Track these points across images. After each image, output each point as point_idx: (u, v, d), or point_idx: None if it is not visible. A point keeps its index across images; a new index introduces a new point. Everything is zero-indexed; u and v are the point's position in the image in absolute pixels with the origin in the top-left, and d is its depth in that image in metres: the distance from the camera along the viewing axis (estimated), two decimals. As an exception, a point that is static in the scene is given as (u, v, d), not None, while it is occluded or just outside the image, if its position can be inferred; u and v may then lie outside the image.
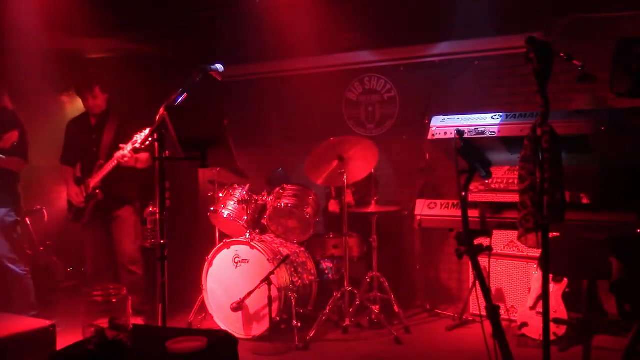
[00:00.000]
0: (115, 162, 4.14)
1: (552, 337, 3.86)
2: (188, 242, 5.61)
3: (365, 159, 4.55)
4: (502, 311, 4.47)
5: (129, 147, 4.11)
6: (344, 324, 4.45)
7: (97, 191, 4.28)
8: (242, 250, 4.45)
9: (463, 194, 2.19)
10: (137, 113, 4.27)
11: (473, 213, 2.23)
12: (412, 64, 5.71)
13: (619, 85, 2.21)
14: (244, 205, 4.62)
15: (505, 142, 2.18)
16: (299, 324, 4.26)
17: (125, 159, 4.11)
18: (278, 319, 4.34)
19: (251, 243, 4.42)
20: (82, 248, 4.54)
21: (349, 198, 5.33)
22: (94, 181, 4.28)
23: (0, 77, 5.28)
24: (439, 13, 4.99)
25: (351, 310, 4.48)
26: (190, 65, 3.32)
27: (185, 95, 2.91)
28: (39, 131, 4.55)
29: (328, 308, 4.38)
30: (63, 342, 2.54)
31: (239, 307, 4.22)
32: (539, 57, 1.85)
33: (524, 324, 4.09)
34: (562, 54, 2.00)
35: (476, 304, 4.65)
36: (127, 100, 6.30)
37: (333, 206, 5.42)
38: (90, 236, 4.46)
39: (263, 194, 4.76)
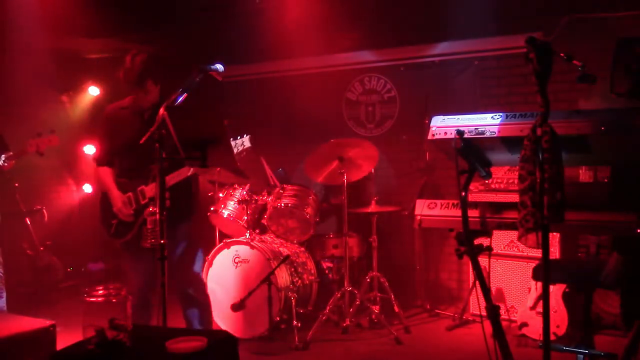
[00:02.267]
0: (189, 173, 3.48)
1: (552, 337, 3.86)
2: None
3: (365, 160, 4.56)
4: (502, 311, 4.47)
5: None
6: (344, 324, 4.45)
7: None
8: (242, 250, 4.45)
9: (463, 194, 2.19)
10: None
11: (473, 213, 2.23)
12: (412, 64, 5.71)
13: (619, 85, 2.21)
14: (244, 205, 4.62)
15: (505, 142, 2.18)
16: (299, 324, 4.26)
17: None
18: (278, 319, 4.34)
19: (251, 243, 4.42)
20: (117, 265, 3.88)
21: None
22: (153, 190, 3.39)
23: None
24: (439, 13, 4.98)
25: (351, 310, 4.48)
26: (190, 65, 3.33)
27: (185, 95, 2.91)
28: (28, 139, 4.52)
29: (328, 308, 4.38)
30: (63, 342, 2.53)
31: (239, 307, 4.22)
32: (539, 57, 1.85)
33: (524, 324, 4.09)
34: (562, 54, 2.00)
35: (476, 304, 4.65)
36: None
37: None
38: (135, 258, 3.53)
39: (263, 194, 4.77)
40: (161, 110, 2.72)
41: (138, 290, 3.46)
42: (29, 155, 4.31)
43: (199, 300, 3.69)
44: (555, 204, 1.81)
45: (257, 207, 4.77)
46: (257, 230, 4.76)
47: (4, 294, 4.06)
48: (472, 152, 2.24)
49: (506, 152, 2.27)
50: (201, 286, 3.76)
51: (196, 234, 3.71)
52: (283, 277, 4.41)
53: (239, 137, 3.92)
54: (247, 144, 3.93)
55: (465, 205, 2.18)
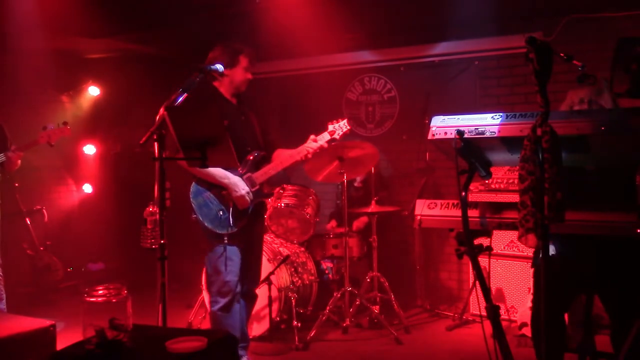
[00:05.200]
0: (304, 155, 3.49)
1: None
2: (188, 242, 5.61)
3: (365, 160, 4.56)
4: (502, 311, 4.47)
5: (324, 137, 3.56)
6: (344, 324, 4.45)
7: (268, 188, 3.50)
8: (242, 250, 4.44)
9: (463, 194, 2.18)
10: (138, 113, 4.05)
11: (473, 213, 2.23)
12: (412, 64, 5.72)
13: (618, 85, 2.21)
14: (244, 205, 4.62)
15: (505, 142, 2.17)
16: (299, 324, 4.26)
17: (315, 152, 3.49)
18: (278, 319, 4.34)
19: (251, 243, 4.42)
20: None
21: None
22: (261, 177, 3.44)
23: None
24: (439, 13, 4.99)
25: (351, 310, 4.48)
26: (190, 65, 3.32)
27: (185, 95, 2.90)
28: (39, 131, 4.52)
29: (328, 308, 4.38)
30: (63, 342, 2.53)
31: (239, 307, 4.22)
32: (539, 57, 1.85)
33: (524, 324, 4.09)
34: (562, 54, 1.99)
35: (476, 304, 4.65)
36: (127, 100, 6.33)
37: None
38: (235, 249, 3.37)
39: (263, 193, 4.76)
40: (161, 110, 2.72)
41: (230, 289, 3.34)
42: (39, 146, 4.33)
43: (255, 297, 3.68)
44: (556, 204, 1.81)
45: (257, 207, 4.77)
46: (257, 230, 4.76)
47: (4, 295, 4.06)
48: (472, 152, 2.24)
49: (506, 152, 2.27)
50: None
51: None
52: (283, 277, 4.41)
53: (337, 122, 3.66)
54: (348, 126, 3.66)
55: (465, 205, 2.18)
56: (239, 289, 3.40)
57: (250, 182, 3.38)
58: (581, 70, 2.04)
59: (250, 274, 3.52)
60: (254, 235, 3.52)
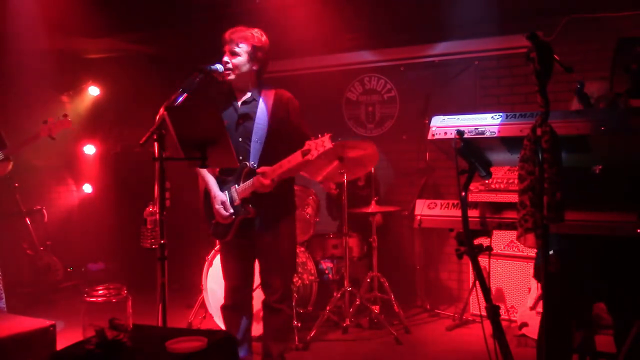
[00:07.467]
0: (289, 166, 3.10)
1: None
2: (188, 242, 5.61)
3: (365, 160, 4.55)
4: (502, 311, 4.47)
5: (294, 157, 3.11)
6: (344, 324, 4.45)
7: (248, 207, 3.16)
8: (242, 250, 4.44)
9: (463, 194, 2.18)
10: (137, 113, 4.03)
11: (473, 213, 2.23)
12: (412, 64, 5.72)
13: (618, 85, 2.21)
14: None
15: (505, 142, 2.17)
16: (299, 324, 4.26)
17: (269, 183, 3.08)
18: (278, 319, 4.34)
19: (251, 243, 4.41)
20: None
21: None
22: (241, 193, 3.19)
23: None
24: (439, 13, 4.99)
25: (351, 310, 4.48)
26: (190, 65, 3.33)
27: (185, 95, 2.90)
28: (40, 125, 4.51)
29: (328, 308, 4.38)
30: (63, 342, 2.53)
31: (239, 307, 4.22)
32: (540, 55, 1.84)
33: (524, 324, 4.09)
34: (562, 65, 1.99)
35: (476, 304, 4.65)
36: (127, 100, 6.33)
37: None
38: (233, 259, 3.36)
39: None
40: (161, 110, 2.72)
41: (232, 291, 3.37)
42: (40, 143, 4.32)
43: (284, 311, 3.39)
44: (555, 204, 1.81)
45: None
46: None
47: (3, 294, 4.06)
48: (472, 152, 2.24)
49: (506, 152, 2.27)
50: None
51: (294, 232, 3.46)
52: (283, 277, 4.40)
53: (317, 139, 3.13)
54: (328, 144, 3.10)
55: (465, 205, 2.18)
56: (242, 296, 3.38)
57: (233, 197, 3.23)
58: (579, 77, 2.04)
59: (265, 284, 3.36)
60: (265, 245, 3.28)
